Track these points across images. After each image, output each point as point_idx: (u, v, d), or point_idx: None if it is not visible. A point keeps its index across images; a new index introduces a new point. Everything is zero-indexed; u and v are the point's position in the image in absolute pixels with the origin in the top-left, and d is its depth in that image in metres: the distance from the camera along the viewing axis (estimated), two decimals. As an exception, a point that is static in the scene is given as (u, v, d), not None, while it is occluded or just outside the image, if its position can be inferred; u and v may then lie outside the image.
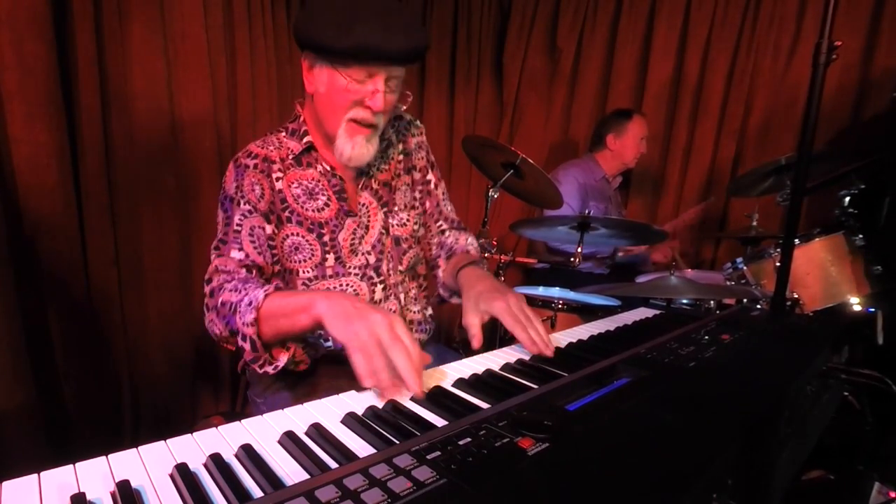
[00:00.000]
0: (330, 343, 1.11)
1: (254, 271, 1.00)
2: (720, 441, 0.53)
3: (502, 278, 1.76)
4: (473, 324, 0.95)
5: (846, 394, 1.50)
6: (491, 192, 1.80)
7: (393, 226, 1.18)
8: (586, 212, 1.65)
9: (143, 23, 1.76)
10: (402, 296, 1.20)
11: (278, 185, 1.06)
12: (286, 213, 1.06)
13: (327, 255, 1.09)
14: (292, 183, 1.07)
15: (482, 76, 3.11)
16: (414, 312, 1.22)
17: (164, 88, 1.83)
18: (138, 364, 1.86)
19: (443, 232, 1.30)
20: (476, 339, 0.92)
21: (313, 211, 1.08)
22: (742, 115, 2.52)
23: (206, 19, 1.91)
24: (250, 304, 0.87)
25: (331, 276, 1.10)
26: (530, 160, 1.66)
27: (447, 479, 0.43)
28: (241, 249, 1.00)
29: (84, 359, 1.67)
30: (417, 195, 1.25)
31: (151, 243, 1.85)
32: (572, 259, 1.66)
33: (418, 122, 1.27)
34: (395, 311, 1.17)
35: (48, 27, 1.49)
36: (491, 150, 1.79)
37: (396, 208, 1.19)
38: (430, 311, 1.27)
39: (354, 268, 1.12)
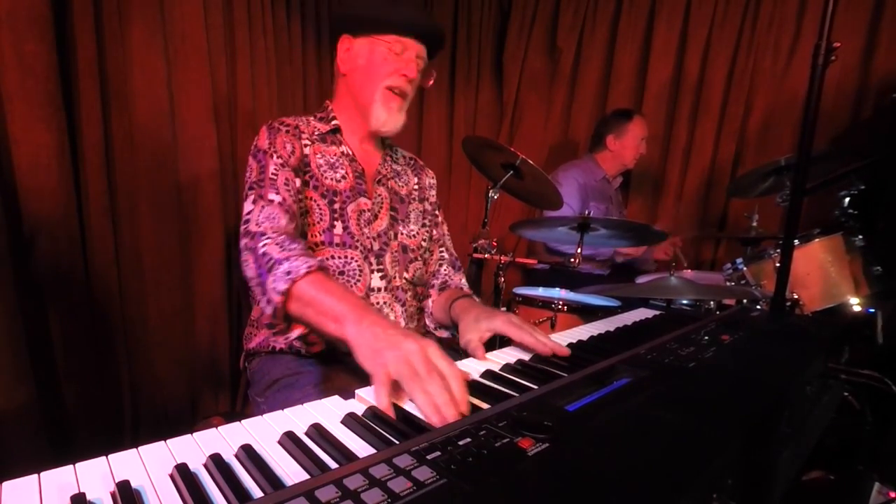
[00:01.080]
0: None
1: (294, 223, 1.03)
2: (720, 441, 0.52)
3: (502, 279, 1.76)
4: (472, 339, 0.96)
5: (846, 394, 1.50)
6: (491, 193, 1.80)
7: (402, 234, 1.23)
8: (586, 212, 1.64)
9: (143, 23, 1.76)
10: (406, 303, 1.22)
11: (306, 150, 1.15)
12: (306, 178, 1.13)
13: (335, 223, 1.14)
14: (317, 153, 1.16)
15: (482, 76, 3.11)
16: (410, 329, 1.22)
17: (164, 88, 1.83)
18: (138, 364, 1.85)
19: (441, 264, 1.33)
20: (480, 351, 0.92)
21: (331, 180, 1.15)
22: (742, 116, 2.52)
23: (206, 19, 1.91)
24: (288, 273, 0.86)
25: (338, 245, 1.14)
26: (530, 161, 1.66)
27: (447, 479, 0.43)
28: (278, 193, 1.04)
29: (84, 359, 1.67)
30: (427, 222, 1.32)
31: (151, 243, 1.85)
32: (572, 259, 1.65)
33: (431, 171, 1.40)
34: (394, 318, 1.19)
35: (48, 27, 1.49)
36: (491, 150, 1.79)
37: (409, 220, 1.26)
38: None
39: (361, 244, 1.15)
